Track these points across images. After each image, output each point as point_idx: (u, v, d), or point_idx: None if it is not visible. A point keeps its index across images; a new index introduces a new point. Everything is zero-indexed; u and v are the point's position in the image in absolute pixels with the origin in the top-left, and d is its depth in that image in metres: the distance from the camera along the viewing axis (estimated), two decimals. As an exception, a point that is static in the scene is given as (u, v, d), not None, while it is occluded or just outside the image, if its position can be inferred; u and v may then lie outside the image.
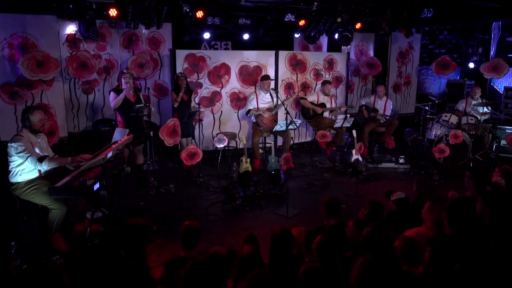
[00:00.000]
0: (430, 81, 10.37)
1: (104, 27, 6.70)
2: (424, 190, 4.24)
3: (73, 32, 6.49)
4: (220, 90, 7.09)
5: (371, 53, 9.32)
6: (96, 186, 3.48)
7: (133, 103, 5.37)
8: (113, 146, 3.76)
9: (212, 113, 7.11)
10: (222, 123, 7.25)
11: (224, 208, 5.01)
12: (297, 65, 7.61)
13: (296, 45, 8.62)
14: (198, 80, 6.92)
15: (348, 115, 6.72)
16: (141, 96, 5.50)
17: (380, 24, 7.47)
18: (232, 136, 6.78)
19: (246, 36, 8.33)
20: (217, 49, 8.37)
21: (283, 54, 7.44)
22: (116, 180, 4.08)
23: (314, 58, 7.82)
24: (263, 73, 7.29)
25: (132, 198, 5.12)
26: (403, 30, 7.58)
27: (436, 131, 7.47)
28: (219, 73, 7.02)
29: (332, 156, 7.52)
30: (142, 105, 5.18)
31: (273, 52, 7.38)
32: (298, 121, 6.55)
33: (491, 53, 8.78)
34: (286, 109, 6.54)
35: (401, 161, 6.93)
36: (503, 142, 7.02)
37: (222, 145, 5.70)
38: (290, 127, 6.30)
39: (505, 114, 7.44)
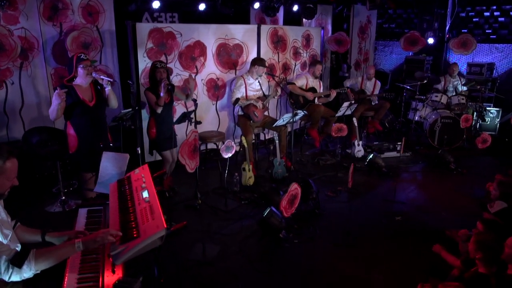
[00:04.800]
0: (381, 57, 10.10)
1: (15, -12, 4.40)
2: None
3: (-37, -6, 4.08)
4: (195, 76, 5.41)
5: (329, 27, 8.53)
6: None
7: (93, 107, 3.52)
8: (152, 196, 2.08)
9: (186, 107, 5.42)
10: (198, 119, 5.60)
11: (261, 245, 3.65)
12: (278, 43, 6.31)
13: (252, 18, 7.27)
14: (167, 65, 5.12)
15: (352, 102, 5.77)
16: (107, 93, 3.63)
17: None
18: (221, 138, 5.26)
19: (202, 7, 6.63)
20: (161, 22, 6.51)
21: (265, 29, 6.05)
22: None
23: (294, 34, 6.60)
24: (244, 53, 5.84)
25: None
26: (391, 4, 6.84)
27: (421, 112, 7.09)
28: (193, 55, 5.32)
29: (322, 147, 6.59)
30: (129, 110, 3.37)
31: (253, 27, 5.94)
32: (301, 112, 5.35)
33: (447, 28, 8.75)
34: (291, 97, 5.29)
35: (399, 148, 6.34)
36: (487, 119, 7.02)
37: (230, 154, 4.21)
38: (290, 119, 5.15)
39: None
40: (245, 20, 7.15)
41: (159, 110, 4.12)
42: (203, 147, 5.40)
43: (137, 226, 1.86)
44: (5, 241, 1.89)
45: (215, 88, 5.65)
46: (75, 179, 4.72)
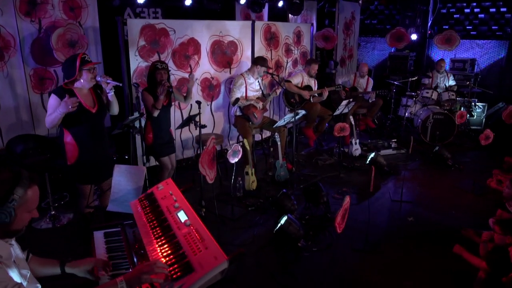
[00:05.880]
0: (363, 53, 10.11)
1: (-12, -21, 3.92)
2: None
3: None
4: (189, 76, 5.08)
5: (314, 23, 8.39)
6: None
7: (95, 114, 3.14)
8: (193, 219, 1.82)
9: (180, 108, 5.10)
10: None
11: (279, 255, 3.45)
12: (271, 39, 6.09)
13: (238, 14, 7.01)
14: (160, 64, 4.78)
15: (350, 100, 5.66)
16: (109, 99, 3.25)
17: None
18: (219, 141, 4.99)
19: (188, 2, 6.29)
20: (144, 17, 6.13)
21: (258, 26, 5.81)
22: None
23: (286, 31, 6.40)
24: (238, 50, 5.58)
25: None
26: (383, 1, 6.77)
27: (411, 108, 7.11)
28: (187, 53, 5.00)
29: (317, 146, 6.45)
30: (138, 115, 3.02)
31: (248, 23, 5.69)
32: (302, 112, 5.17)
33: (429, 24, 8.86)
34: (291, 97, 5.05)
35: (393, 145, 6.32)
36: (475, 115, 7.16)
37: (237, 159, 3.96)
38: (291, 119, 4.96)
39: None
40: (231, 16, 6.88)
41: (156, 114, 3.78)
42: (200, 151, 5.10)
43: (188, 257, 1.59)
44: (24, 283, 1.58)
45: (210, 88, 5.36)
46: (65, 191, 4.31)
